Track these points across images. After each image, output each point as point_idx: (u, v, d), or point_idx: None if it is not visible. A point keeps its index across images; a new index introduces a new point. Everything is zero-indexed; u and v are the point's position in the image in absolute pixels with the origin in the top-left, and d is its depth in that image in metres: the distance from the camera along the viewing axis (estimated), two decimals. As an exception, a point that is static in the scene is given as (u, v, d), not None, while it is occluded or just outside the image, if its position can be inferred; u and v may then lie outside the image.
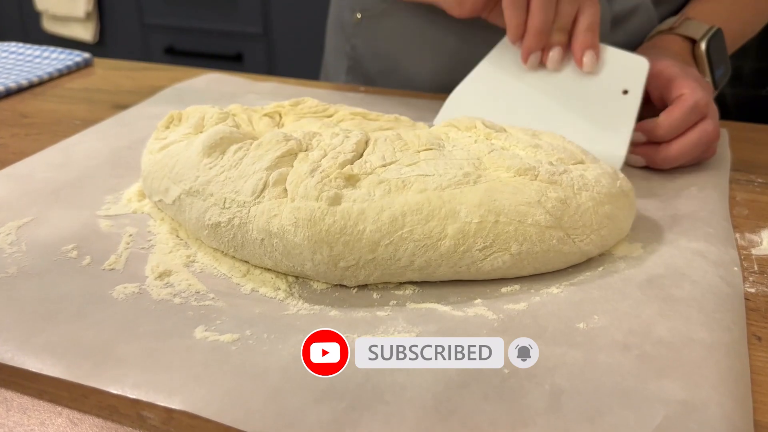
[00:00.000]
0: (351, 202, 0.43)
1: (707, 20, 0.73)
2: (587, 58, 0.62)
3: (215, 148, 0.48)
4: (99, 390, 0.35)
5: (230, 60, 2.16)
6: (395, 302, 0.43)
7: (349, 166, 0.46)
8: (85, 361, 0.37)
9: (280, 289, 0.44)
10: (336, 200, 0.43)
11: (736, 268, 0.47)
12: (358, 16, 0.88)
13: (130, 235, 0.49)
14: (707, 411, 0.34)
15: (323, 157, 0.46)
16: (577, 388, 0.36)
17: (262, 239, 0.44)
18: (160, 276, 0.45)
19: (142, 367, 0.36)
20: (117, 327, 0.40)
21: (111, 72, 0.90)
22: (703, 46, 0.70)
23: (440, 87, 0.80)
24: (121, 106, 0.76)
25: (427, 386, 0.35)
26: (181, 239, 0.49)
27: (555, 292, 0.44)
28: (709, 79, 0.70)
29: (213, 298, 0.43)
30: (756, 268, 0.49)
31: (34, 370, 0.36)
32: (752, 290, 0.46)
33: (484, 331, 0.40)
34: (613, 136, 0.61)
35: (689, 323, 0.41)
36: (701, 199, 0.57)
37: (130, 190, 0.56)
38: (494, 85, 0.65)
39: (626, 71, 0.62)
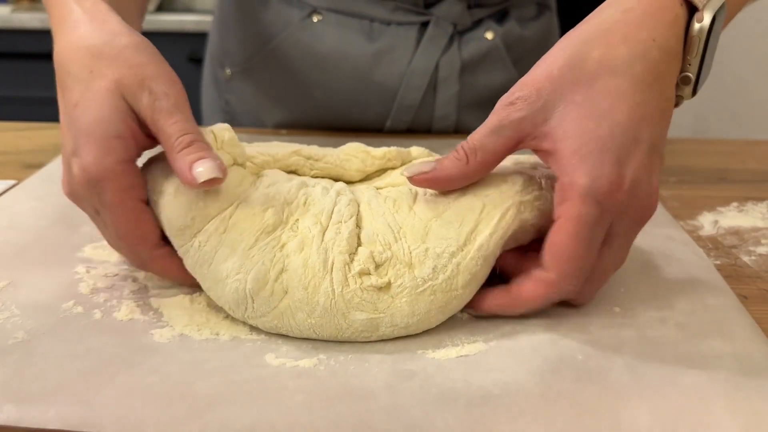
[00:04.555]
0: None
1: None
2: None
3: (185, 230, 0.42)
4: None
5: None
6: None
7: (365, 257, 0.40)
8: (175, 406, 0.34)
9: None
10: (373, 324, 0.40)
11: (696, 247, 0.54)
12: (228, 72, 0.88)
13: (132, 291, 0.46)
14: (755, 358, 0.39)
15: (324, 231, 0.41)
16: (645, 360, 0.39)
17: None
18: (190, 320, 0.42)
19: (242, 402, 0.34)
20: (182, 367, 0.37)
21: (2, 134, 0.83)
22: (707, 18, 0.41)
23: (304, 142, 0.81)
24: (34, 165, 0.70)
25: (525, 378, 0.37)
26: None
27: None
28: (688, 86, 0.43)
29: (257, 332, 0.41)
30: (710, 245, 0.56)
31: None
32: (718, 262, 0.53)
33: (539, 329, 0.42)
34: None
35: (698, 293, 0.46)
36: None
37: (96, 245, 0.52)
38: None
39: None
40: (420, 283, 0.40)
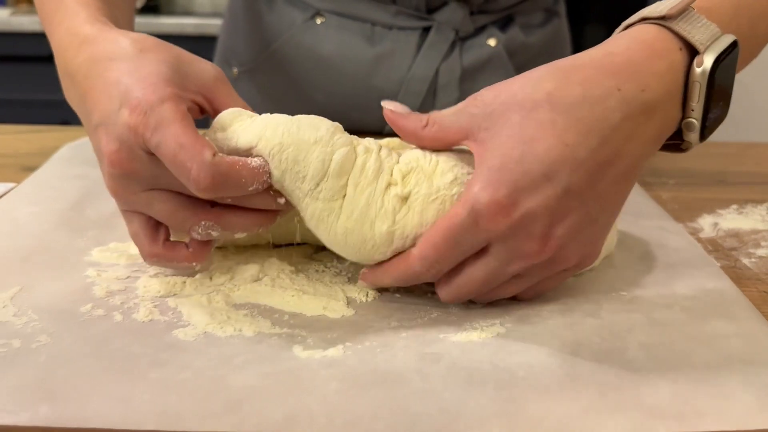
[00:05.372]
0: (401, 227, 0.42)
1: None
2: None
3: (227, 125, 0.44)
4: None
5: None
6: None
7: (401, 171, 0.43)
8: (212, 400, 0.34)
9: (336, 310, 0.44)
10: (389, 238, 0.42)
11: (689, 236, 0.56)
12: (235, 71, 0.89)
13: (147, 292, 0.46)
14: (759, 337, 0.41)
15: (380, 149, 0.44)
16: (656, 341, 0.41)
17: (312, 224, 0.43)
18: (212, 318, 0.43)
19: (277, 393, 0.35)
20: (213, 362, 0.38)
21: (1, 137, 0.83)
22: (708, 61, 0.40)
23: None
24: (32, 168, 0.71)
25: (547, 360, 0.38)
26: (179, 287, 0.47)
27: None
28: (694, 132, 0.42)
29: (280, 326, 0.42)
30: (710, 247, 0.57)
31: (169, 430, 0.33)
32: (718, 264, 0.53)
33: (553, 315, 0.43)
34: None
35: (697, 279, 0.49)
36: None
37: (104, 248, 0.52)
38: None
39: None
40: (434, 191, 0.41)
